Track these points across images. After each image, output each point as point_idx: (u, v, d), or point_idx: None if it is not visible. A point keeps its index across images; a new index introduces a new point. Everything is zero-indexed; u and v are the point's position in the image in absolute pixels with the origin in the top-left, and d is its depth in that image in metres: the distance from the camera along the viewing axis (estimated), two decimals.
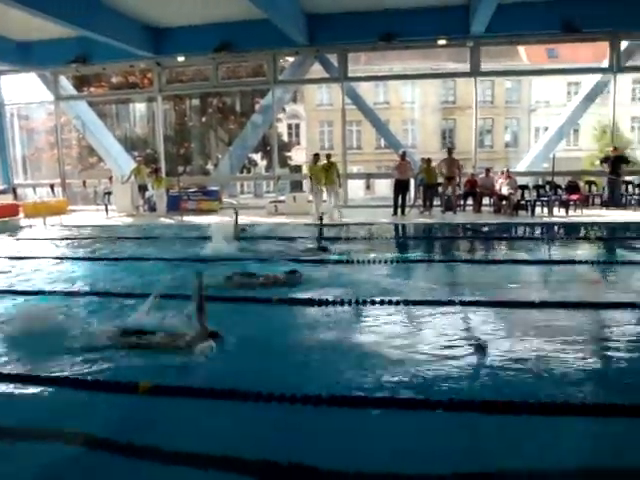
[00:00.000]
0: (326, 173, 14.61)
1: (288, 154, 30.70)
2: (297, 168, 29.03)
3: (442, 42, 16.54)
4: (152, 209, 16.73)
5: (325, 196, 14.97)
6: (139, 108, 27.65)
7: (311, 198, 15.28)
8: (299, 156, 31.58)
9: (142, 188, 16.79)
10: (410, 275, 8.17)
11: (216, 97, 27.18)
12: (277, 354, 4.81)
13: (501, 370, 4.35)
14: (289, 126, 34.46)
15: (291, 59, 19.42)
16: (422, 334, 5.32)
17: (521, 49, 29.49)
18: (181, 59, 17.53)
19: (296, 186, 21.58)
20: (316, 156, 15.24)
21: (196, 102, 27.87)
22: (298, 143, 34.47)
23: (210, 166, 28.42)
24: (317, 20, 16.20)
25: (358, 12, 15.77)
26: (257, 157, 28.27)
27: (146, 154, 22.32)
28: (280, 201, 16.42)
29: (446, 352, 4.72)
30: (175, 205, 16.24)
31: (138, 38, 16.57)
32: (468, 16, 15.18)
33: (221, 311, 5.52)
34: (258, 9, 13.33)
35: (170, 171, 19.67)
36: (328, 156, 15.13)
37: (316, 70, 18.77)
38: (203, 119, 28.44)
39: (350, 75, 17.94)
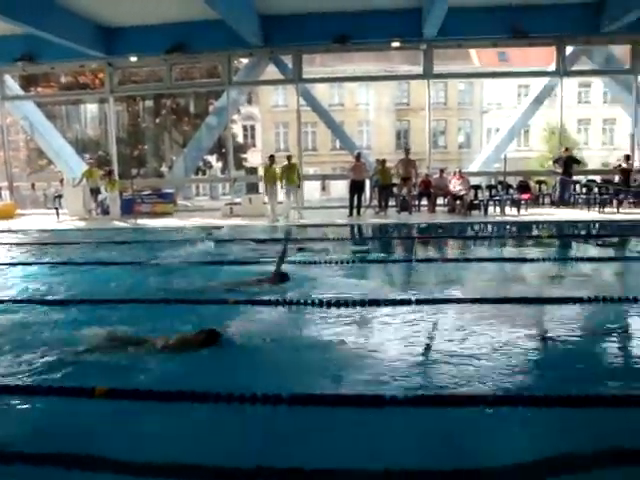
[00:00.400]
0: (287, 174, 14.63)
1: (244, 156, 30.53)
2: (253, 170, 28.88)
3: (395, 44, 16.69)
4: (105, 212, 16.37)
5: (283, 197, 14.95)
6: (90, 109, 27.08)
7: (267, 200, 15.25)
8: (255, 158, 31.47)
9: (94, 191, 16.39)
10: (363, 275, 8.18)
11: (170, 98, 26.83)
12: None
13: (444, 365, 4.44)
14: (244, 128, 34.30)
15: (246, 60, 19.29)
16: (373, 333, 5.39)
17: (473, 52, 30.10)
18: (134, 59, 17.20)
19: (252, 188, 21.43)
20: (271, 158, 15.21)
21: (150, 103, 27.45)
22: (254, 145, 34.34)
23: (165, 168, 28.03)
24: (272, 21, 16.15)
25: (312, 14, 15.80)
26: (212, 159, 27.99)
27: (98, 156, 21.86)
28: (236, 203, 16.32)
29: (393, 350, 4.78)
30: (129, 208, 15.97)
31: (89, 37, 16.18)
32: (421, 19, 15.37)
33: None
34: (212, 10, 13.22)
35: (123, 173, 19.26)
36: (289, 157, 15.13)
37: (271, 71, 18.72)
38: (157, 120, 28.03)
39: (305, 77, 17.95)
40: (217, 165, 28.14)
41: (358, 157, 15.50)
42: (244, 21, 14.93)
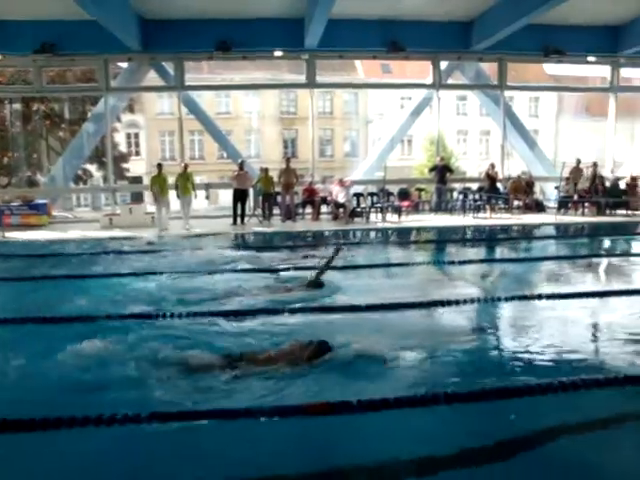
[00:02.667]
0: (182, 183, 14.29)
1: (126, 165, 29.46)
2: (137, 179, 27.98)
3: (278, 54, 16.80)
4: None
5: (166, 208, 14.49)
6: None
7: (151, 210, 14.77)
8: (139, 167, 30.47)
9: None
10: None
11: (43, 102, 25.32)
12: None
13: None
14: (128, 135, 33.13)
15: (125, 65, 18.60)
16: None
17: (359, 64, 30.90)
18: None
19: (137, 198, 20.69)
20: (159, 166, 14.71)
21: (18, 107, 25.69)
22: (138, 153, 33.25)
23: (41, 177, 26.39)
24: (152, 26, 15.66)
25: (194, 20, 15.52)
26: (93, 168, 26.76)
27: None
28: (115, 214, 15.67)
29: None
30: None
31: None
32: (303, 29, 15.52)
33: None
34: (83, 10, 12.55)
35: None
36: (185, 166, 14.73)
37: (153, 78, 18.22)
38: (28, 126, 26.32)
39: (189, 84, 17.62)
40: (98, 174, 26.91)
41: (241, 166, 15.40)
42: (120, 23, 14.27)
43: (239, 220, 14.84)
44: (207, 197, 17.11)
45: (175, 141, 29.94)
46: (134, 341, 5.01)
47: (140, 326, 5.55)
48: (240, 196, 14.94)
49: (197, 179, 15.06)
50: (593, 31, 17.14)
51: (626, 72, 20.30)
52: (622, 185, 17.29)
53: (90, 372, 4.38)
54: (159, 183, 14.25)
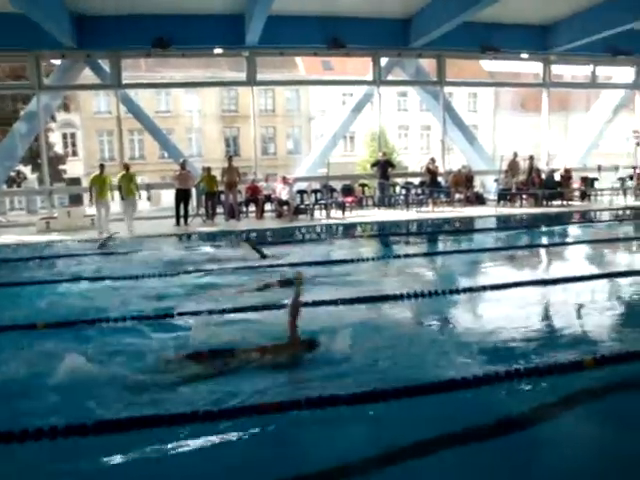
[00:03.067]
0: (125, 184, 13.90)
1: (63, 167, 28.50)
2: (75, 181, 27.13)
3: (218, 51, 16.60)
4: None
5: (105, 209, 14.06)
6: None
7: (90, 212, 14.33)
8: (77, 168, 29.56)
9: None
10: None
11: None
12: None
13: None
14: (64, 136, 32.07)
15: (58, 62, 17.94)
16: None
17: (299, 61, 30.90)
18: None
19: (76, 200, 20.04)
20: (101, 167, 14.18)
21: None
22: (75, 154, 32.25)
23: None
24: (87, 22, 15.14)
25: (131, 16, 15.06)
26: (27, 170, 25.80)
27: None
28: (52, 217, 15.13)
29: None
30: None
31: None
32: (244, 26, 15.34)
33: None
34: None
35: None
36: (126, 166, 14.33)
37: (89, 76, 17.67)
38: None
39: (126, 82, 17.18)
40: (33, 176, 25.96)
41: (183, 165, 15.10)
42: (51, 19, 13.61)
43: (182, 221, 14.57)
44: (149, 198, 16.74)
45: (114, 141, 29.28)
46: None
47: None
48: (183, 196, 14.66)
49: (138, 179, 14.71)
50: (526, 29, 17.69)
51: (557, 69, 21.03)
52: (557, 177, 17.90)
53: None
54: (99, 184, 13.80)
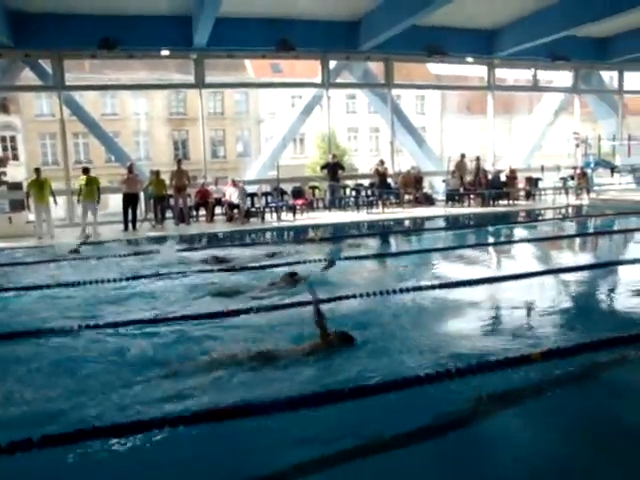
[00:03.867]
0: (85, 189, 13.67)
1: (3, 169, 27.40)
2: (16, 185, 26.12)
3: (165, 53, 16.33)
4: None
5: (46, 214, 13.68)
6: None
7: (32, 218, 13.92)
8: (18, 172, 28.48)
9: None
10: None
11: None
12: None
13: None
14: (3, 139, 30.89)
15: None
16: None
17: (248, 63, 30.67)
18: None
19: (18, 206, 19.32)
20: (37, 171, 13.84)
21: None
22: (16, 157, 31.09)
23: None
24: (24, 19, 14.46)
25: (74, 15, 14.55)
26: None
27: None
28: None
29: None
30: None
31: None
32: (191, 27, 15.14)
33: None
34: None
35: None
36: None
37: (30, 77, 17.09)
38: None
39: (69, 84, 16.71)
40: None
41: (130, 169, 14.79)
42: None
43: (130, 226, 14.28)
44: (97, 202, 16.29)
45: (57, 144, 28.43)
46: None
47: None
48: (130, 200, 14.38)
49: None
50: (472, 34, 18.07)
51: (501, 73, 21.60)
52: (503, 177, 18.36)
53: None
54: (36, 188, 13.48)
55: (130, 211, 14.35)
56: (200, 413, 3.72)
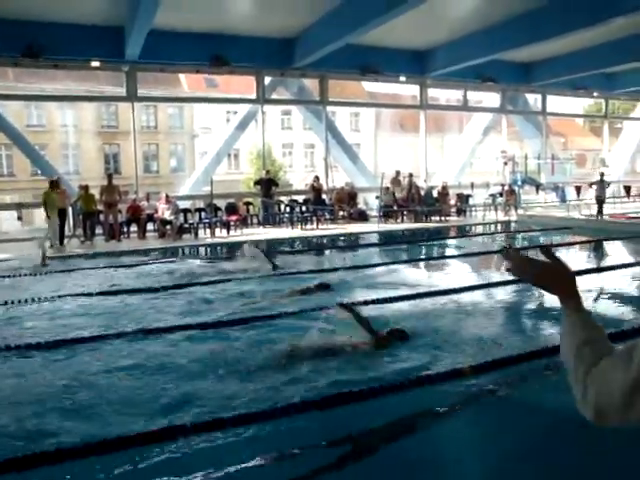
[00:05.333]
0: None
1: None
2: None
3: (96, 64, 15.88)
4: None
5: None
6: None
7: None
8: None
9: None
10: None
11: None
12: None
13: None
14: None
15: None
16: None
17: (183, 77, 30.30)
18: None
19: None
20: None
21: None
22: None
23: None
24: None
25: None
26: None
27: None
28: None
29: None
30: None
31: None
32: (124, 39, 14.74)
33: None
34: None
35: None
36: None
37: None
38: None
39: None
40: None
41: (57, 183, 14.26)
42: None
43: (58, 242, 13.72)
44: (19, 218, 15.63)
45: None
46: None
47: None
48: (58, 216, 13.84)
49: (7, 198, 13.71)
50: (404, 54, 18.56)
51: (433, 92, 22.24)
52: (435, 194, 18.79)
53: None
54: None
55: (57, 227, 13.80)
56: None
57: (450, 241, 15.25)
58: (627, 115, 30.02)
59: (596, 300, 7.01)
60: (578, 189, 21.09)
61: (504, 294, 8.07)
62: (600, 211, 17.77)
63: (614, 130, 28.47)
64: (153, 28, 13.38)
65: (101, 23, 14.70)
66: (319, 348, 5.12)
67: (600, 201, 17.89)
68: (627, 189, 22.63)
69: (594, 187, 18.63)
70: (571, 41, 16.35)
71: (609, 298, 8.01)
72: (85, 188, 14.54)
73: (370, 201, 19.98)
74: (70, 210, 14.44)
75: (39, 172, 19.66)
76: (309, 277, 8.99)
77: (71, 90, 23.05)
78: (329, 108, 20.02)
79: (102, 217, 14.73)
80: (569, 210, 18.55)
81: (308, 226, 16.38)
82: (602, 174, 18.85)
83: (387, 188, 18.15)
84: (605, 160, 26.00)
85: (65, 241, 13.86)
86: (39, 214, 17.66)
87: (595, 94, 24.26)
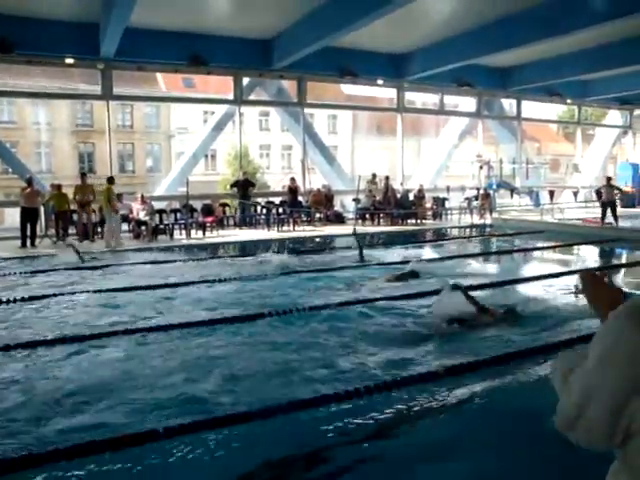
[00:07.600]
0: None
1: None
2: None
3: (70, 61, 15.59)
4: None
5: None
6: None
7: None
8: None
9: None
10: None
11: None
12: None
13: None
14: None
15: None
16: None
17: (160, 76, 30.03)
18: None
19: None
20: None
21: None
22: None
23: None
24: None
25: None
26: None
27: None
28: None
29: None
30: None
31: None
32: (99, 36, 14.45)
33: None
34: None
35: None
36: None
37: None
38: None
39: None
40: None
41: (30, 182, 13.98)
42: None
43: (29, 242, 13.47)
44: None
45: None
46: None
47: None
48: (29, 215, 13.57)
49: None
50: (382, 57, 18.62)
51: (410, 95, 22.34)
52: (411, 197, 18.89)
53: None
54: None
55: (29, 226, 13.54)
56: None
57: (426, 244, 15.27)
58: (599, 122, 30.53)
59: (567, 304, 7.07)
60: (552, 193, 21.36)
61: None
62: (611, 215, 16.58)
63: (586, 136, 28.93)
64: (130, 26, 13.16)
65: (76, 19, 14.31)
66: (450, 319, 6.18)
67: (607, 206, 16.66)
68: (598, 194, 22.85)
69: (602, 191, 17.10)
70: (547, 48, 16.58)
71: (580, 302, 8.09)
72: (57, 187, 14.31)
73: (347, 203, 19.99)
74: (42, 209, 14.17)
75: (10, 170, 19.33)
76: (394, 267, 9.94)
77: (45, 87, 22.63)
78: (307, 110, 20.01)
79: (75, 217, 14.49)
80: (542, 214, 18.78)
81: (284, 228, 16.33)
82: (609, 178, 17.97)
83: (370, 190, 18.21)
84: (578, 166, 26.43)
85: (37, 241, 13.60)
86: (9, 213, 17.43)
87: (568, 101, 24.67)
